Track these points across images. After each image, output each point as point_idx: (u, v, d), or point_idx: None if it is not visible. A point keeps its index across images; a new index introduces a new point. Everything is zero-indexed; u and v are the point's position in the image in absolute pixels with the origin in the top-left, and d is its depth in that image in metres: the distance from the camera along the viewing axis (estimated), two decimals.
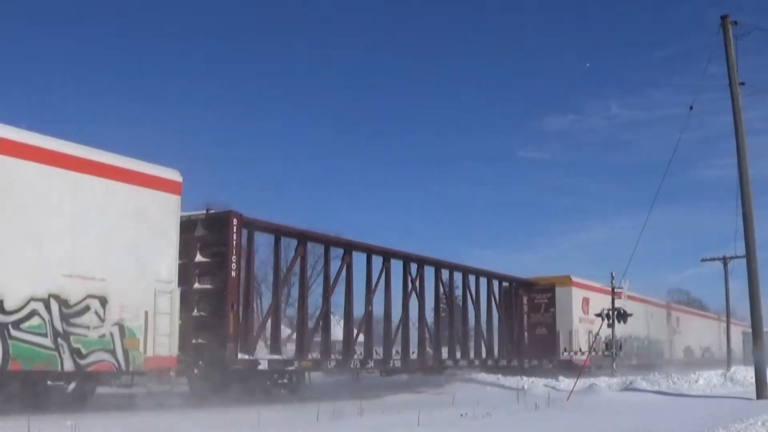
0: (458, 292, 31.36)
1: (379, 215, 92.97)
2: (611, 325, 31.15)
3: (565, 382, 24.47)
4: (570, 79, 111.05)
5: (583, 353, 33.47)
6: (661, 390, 23.07)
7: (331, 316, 24.86)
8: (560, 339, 34.30)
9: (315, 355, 22.71)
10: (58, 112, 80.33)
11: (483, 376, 26.56)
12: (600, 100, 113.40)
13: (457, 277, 29.28)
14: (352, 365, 23.52)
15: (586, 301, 36.34)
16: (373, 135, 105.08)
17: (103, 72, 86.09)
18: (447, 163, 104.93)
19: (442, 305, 28.40)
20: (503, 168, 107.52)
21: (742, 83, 21.11)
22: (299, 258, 21.78)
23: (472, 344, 29.68)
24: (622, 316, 31.29)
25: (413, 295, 26.03)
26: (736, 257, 34.96)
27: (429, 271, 27.14)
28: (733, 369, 27.67)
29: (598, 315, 29.78)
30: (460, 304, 30.51)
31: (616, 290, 31.68)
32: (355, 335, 23.85)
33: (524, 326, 33.83)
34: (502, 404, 18.01)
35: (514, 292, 33.53)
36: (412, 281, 26.01)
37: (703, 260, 47.04)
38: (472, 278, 30.06)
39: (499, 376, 26.72)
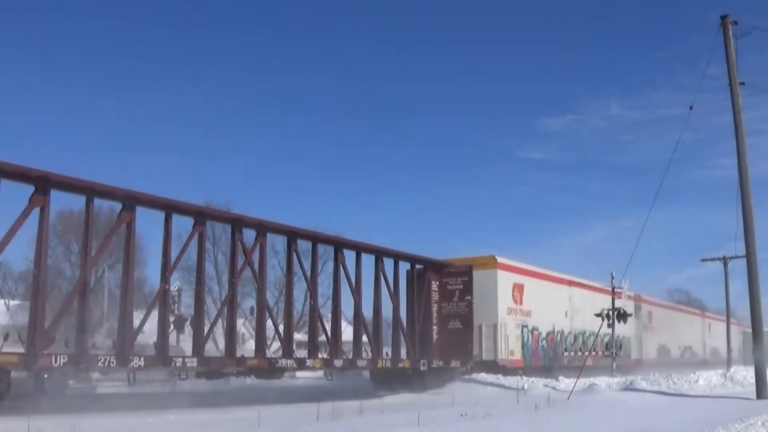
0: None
1: (379, 215, 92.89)
2: (611, 325, 30.95)
3: (565, 382, 24.44)
4: (570, 79, 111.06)
5: (514, 353, 28.88)
6: (661, 390, 23.07)
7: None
8: (481, 335, 27.80)
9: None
10: None
11: (483, 376, 26.48)
12: (600, 100, 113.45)
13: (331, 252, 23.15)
14: (102, 363, 15.81)
15: (518, 288, 29.90)
16: (372, 136, 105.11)
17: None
18: (447, 164, 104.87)
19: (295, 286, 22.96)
20: (503, 168, 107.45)
21: (742, 83, 21.11)
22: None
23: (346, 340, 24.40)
24: (622, 316, 31.17)
25: (257, 273, 20.66)
26: (736, 257, 34.89)
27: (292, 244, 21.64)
28: (733, 369, 27.71)
29: (598, 315, 29.61)
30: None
31: (616, 290, 31.52)
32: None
33: (432, 318, 26.99)
34: (502, 404, 18.02)
35: (418, 276, 27.00)
36: (246, 253, 20.37)
37: (703, 260, 47.04)
38: (350, 255, 23.50)
39: (499, 375, 26.65)
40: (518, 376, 26.49)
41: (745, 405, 17.64)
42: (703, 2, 79.24)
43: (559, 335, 33.06)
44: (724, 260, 44.27)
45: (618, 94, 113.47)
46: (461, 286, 27.41)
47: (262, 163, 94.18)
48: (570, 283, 33.93)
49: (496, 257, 28.79)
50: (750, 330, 21.76)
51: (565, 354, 33.89)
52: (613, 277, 31.64)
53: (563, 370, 29.67)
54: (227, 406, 17.55)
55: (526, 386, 24.10)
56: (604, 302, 34.04)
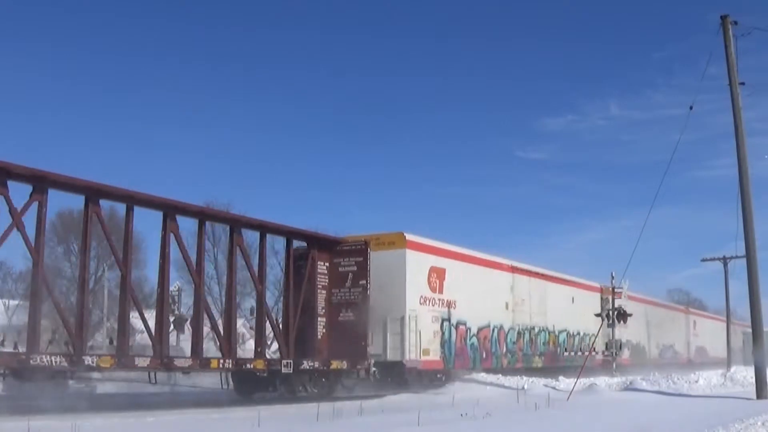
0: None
1: (379, 216, 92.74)
2: (611, 325, 30.92)
3: (565, 382, 24.54)
4: (570, 79, 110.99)
5: (429, 352, 23.44)
6: (661, 390, 23.13)
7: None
8: (386, 330, 22.60)
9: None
10: None
11: (483, 376, 26.56)
12: (599, 101, 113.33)
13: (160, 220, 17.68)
14: None
15: (437, 273, 24.44)
16: (373, 136, 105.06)
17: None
18: (446, 164, 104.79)
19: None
20: (502, 168, 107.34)
21: (742, 83, 21.15)
22: None
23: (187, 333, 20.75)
24: (623, 315, 31.17)
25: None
26: (736, 257, 34.91)
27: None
28: (733, 369, 27.81)
29: (598, 315, 29.58)
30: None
31: (616, 290, 31.53)
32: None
33: (317, 307, 21.56)
34: (503, 404, 18.02)
35: (301, 255, 21.99)
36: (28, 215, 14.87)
37: (703, 260, 47.16)
38: (186, 223, 18.79)
39: (499, 375, 26.72)
40: (518, 377, 26.55)
41: (745, 405, 17.65)
42: (703, 2, 79.30)
43: (496, 331, 27.80)
44: (724, 260, 44.38)
45: (618, 94, 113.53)
46: (355, 268, 22.03)
47: (262, 162, 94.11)
48: (513, 269, 29.14)
49: (405, 234, 23.43)
50: (748, 329, 21.84)
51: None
52: (613, 277, 31.65)
53: (507, 372, 26.83)
54: (227, 405, 17.55)
55: (526, 386, 24.19)
56: (559, 293, 31.52)
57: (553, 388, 23.87)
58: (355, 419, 14.31)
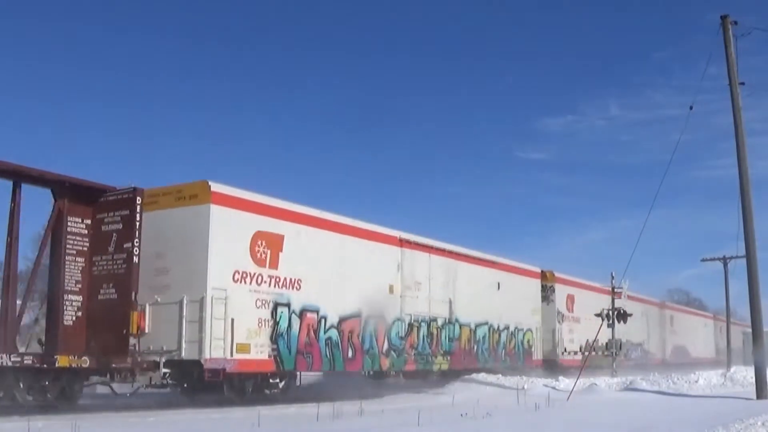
0: None
1: (379, 215, 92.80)
2: (611, 325, 30.78)
3: (565, 382, 24.58)
4: (569, 79, 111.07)
5: (248, 348, 17.12)
6: (661, 390, 23.18)
7: None
8: (181, 317, 16.26)
9: None
10: None
11: (483, 376, 26.57)
12: (599, 101, 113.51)
13: None
14: None
15: (268, 241, 17.94)
16: (372, 136, 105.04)
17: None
18: (446, 164, 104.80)
19: None
20: (502, 169, 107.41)
21: (742, 83, 21.18)
22: None
23: None
24: (623, 316, 31.05)
25: None
26: (737, 257, 34.93)
27: None
28: (733, 369, 27.83)
29: (598, 315, 29.44)
30: None
31: (616, 290, 31.40)
32: None
33: (63, 283, 15.58)
34: (503, 404, 18.02)
35: (57, 214, 15.67)
36: None
37: (703, 260, 47.28)
38: None
39: (499, 375, 26.73)
40: (518, 377, 26.56)
41: (745, 405, 17.66)
42: (703, 2, 79.42)
43: (372, 323, 21.25)
44: (724, 260, 44.48)
45: (617, 94, 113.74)
46: (120, 227, 15.78)
47: (262, 162, 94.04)
48: (402, 242, 22.59)
49: (211, 184, 16.83)
50: (748, 329, 21.86)
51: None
52: (613, 278, 31.53)
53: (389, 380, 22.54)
54: (228, 405, 17.56)
55: (526, 386, 24.22)
56: (478, 277, 26.14)
57: (553, 388, 23.90)
58: (355, 420, 14.33)
